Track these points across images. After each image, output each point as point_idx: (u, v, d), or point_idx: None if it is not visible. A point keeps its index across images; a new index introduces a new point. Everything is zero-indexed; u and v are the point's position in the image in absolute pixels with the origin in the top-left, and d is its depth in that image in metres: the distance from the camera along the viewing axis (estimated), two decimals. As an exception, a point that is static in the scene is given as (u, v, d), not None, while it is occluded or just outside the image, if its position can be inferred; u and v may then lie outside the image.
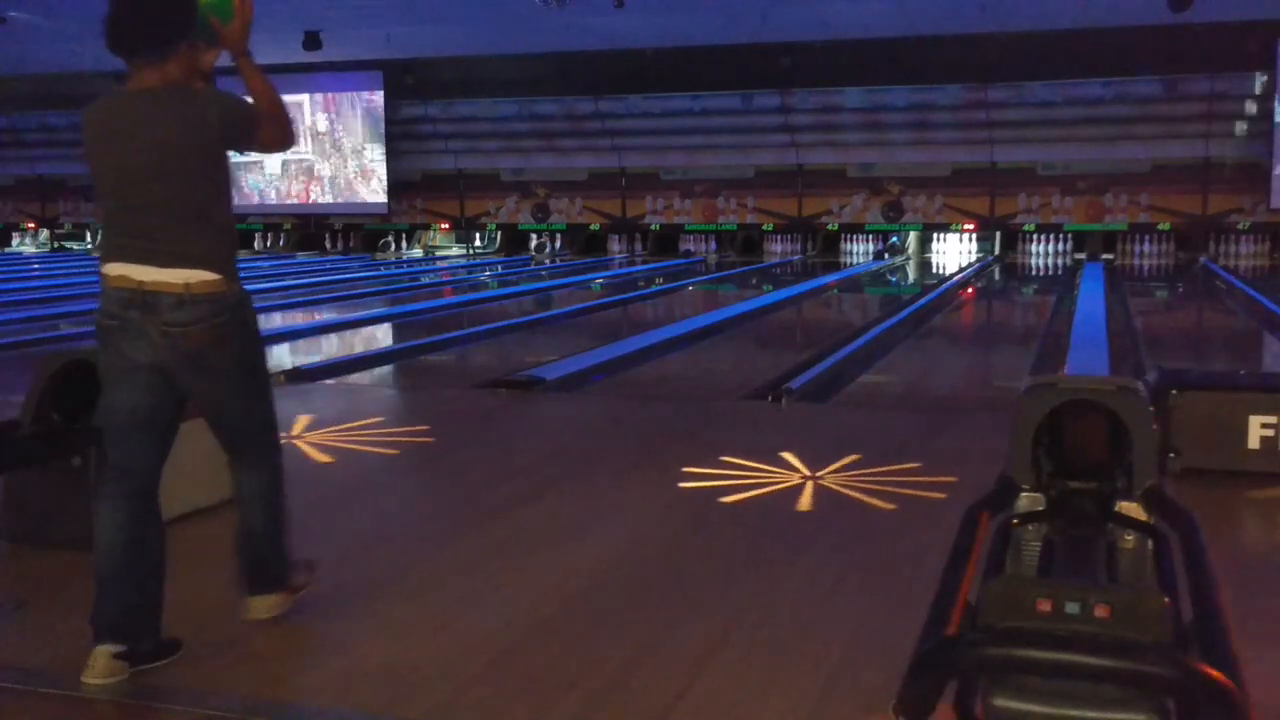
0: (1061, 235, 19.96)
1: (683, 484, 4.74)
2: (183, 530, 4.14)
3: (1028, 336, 11.49)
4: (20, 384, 4.28)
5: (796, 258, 20.68)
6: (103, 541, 2.92)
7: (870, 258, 20.41)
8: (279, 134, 3.11)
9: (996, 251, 20.20)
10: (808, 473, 4.86)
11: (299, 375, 7.74)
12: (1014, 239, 20.25)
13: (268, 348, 9.26)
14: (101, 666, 2.84)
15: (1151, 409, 2.63)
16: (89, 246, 25.11)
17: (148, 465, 3.02)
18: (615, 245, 22.21)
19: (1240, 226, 18.91)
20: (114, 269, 3.00)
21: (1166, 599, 1.80)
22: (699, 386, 8.40)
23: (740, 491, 4.61)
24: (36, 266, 20.18)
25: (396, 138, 22.42)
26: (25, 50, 18.97)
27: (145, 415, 2.99)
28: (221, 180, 3.03)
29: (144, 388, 2.96)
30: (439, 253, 22.64)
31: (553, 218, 22.11)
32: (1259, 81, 18.15)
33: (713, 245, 21.58)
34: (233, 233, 3.08)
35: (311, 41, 18.13)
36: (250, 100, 3.07)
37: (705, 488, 4.68)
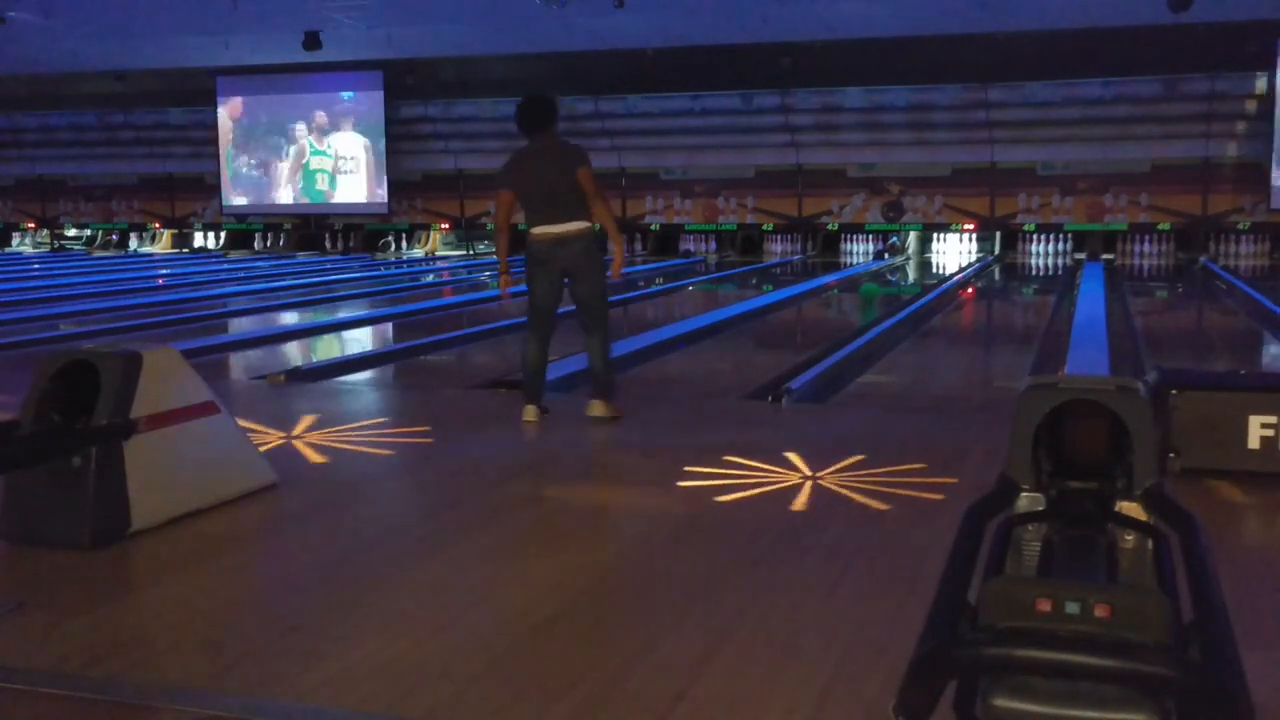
0: (1061, 235, 19.97)
1: (683, 484, 4.74)
2: (183, 530, 4.14)
3: (1028, 336, 11.50)
4: (20, 384, 4.28)
5: (796, 258, 20.68)
6: (530, 359, 5.95)
7: (870, 258, 20.41)
8: (601, 207, 5.93)
9: (996, 251, 20.20)
10: (808, 473, 4.86)
11: (299, 375, 7.74)
12: (1014, 239, 20.25)
13: (268, 348, 9.34)
14: (533, 413, 5.92)
15: (1151, 409, 2.63)
16: (88, 246, 25.14)
17: (550, 324, 6.01)
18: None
19: (1240, 226, 18.91)
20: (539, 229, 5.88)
21: (1166, 599, 1.80)
22: (699, 386, 8.40)
23: (740, 492, 4.61)
24: (36, 266, 20.19)
25: (396, 138, 22.42)
26: (25, 50, 18.97)
27: (551, 301, 5.96)
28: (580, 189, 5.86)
29: (550, 284, 5.91)
30: (440, 254, 22.64)
31: (553, 218, 22.07)
32: (1259, 81, 18.15)
33: (713, 245, 21.58)
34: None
35: (311, 41, 18.12)
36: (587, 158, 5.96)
37: (705, 487, 4.68)
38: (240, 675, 2.93)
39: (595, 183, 5.89)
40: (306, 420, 6.04)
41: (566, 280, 5.93)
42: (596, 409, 5.97)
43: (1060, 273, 18.10)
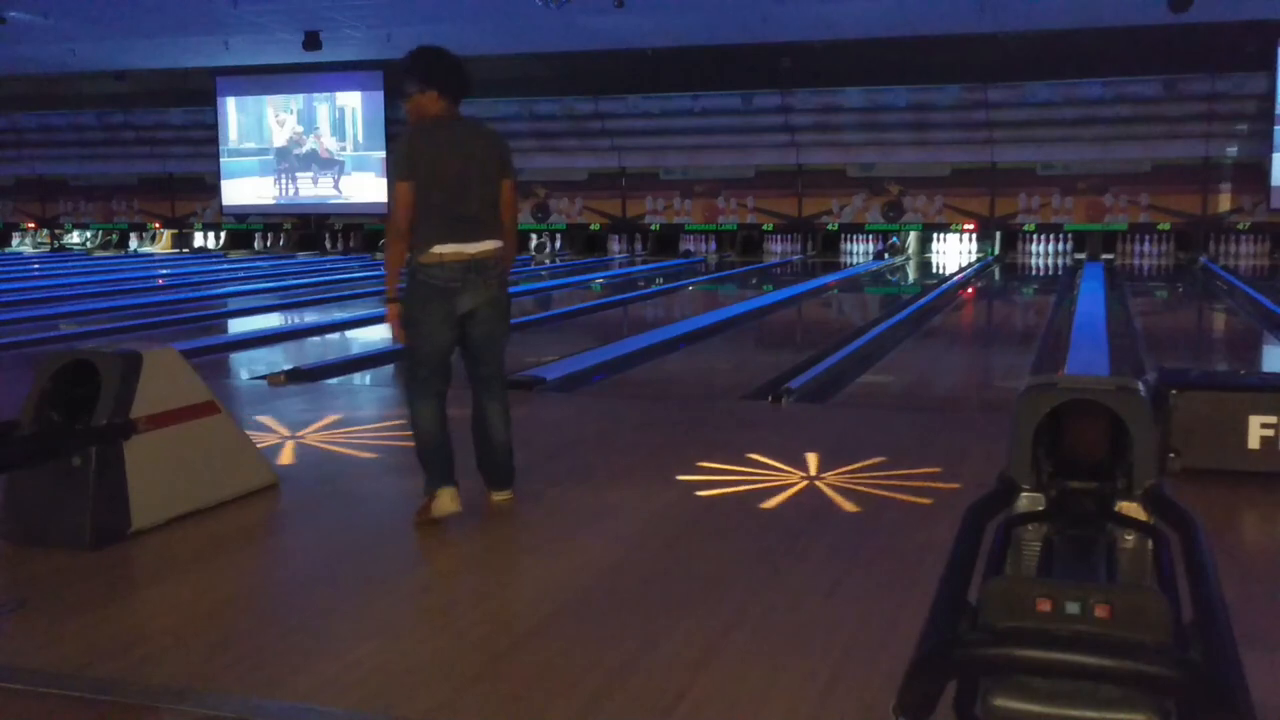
0: (1061, 235, 19.98)
1: (683, 482, 4.74)
2: (183, 530, 4.14)
3: (1028, 336, 11.49)
4: (20, 384, 4.28)
5: (796, 258, 20.68)
6: (426, 431, 4.30)
7: (870, 258, 20.41)
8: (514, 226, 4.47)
9: (996, 251, 20.21)
10: (808, 472, 4.86)
11: (299, 375, 7.74)
12: (1014, 239, 20.26)
13: (268, 348, 9.27)
14: (450, 497, 4.24)
15: (1151, 409, 2.63)
16: (88, 245, 25.14)
17: (448, 378, 4.37)
18: (615, 245, 22.21)
19: (1240, 226, 18.92)
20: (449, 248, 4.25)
21: (1166, 599, 1.80)
22: (699, 386, 8.40)
23: (740, 490, 4.61)
24: (36, 266, 20.18)
25: (397, 138, 22.36)
26: (25, 50, 18.97)
27: (447, 348, 4.32)
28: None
29: (451, 329, 4.27)
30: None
31: (553, 218, 22.11)
32: (1259, 81, 18.15)
33: (713, 245, 21.58)
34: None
35: (311, 41, 18.12)
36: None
37: (706, 485, 4.68)
38: (240, 675, 2.93)
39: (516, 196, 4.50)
40: (307, 420, 6.04)
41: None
42: (501, 499, 4.55)
43: (1060, 273, 18.10)
